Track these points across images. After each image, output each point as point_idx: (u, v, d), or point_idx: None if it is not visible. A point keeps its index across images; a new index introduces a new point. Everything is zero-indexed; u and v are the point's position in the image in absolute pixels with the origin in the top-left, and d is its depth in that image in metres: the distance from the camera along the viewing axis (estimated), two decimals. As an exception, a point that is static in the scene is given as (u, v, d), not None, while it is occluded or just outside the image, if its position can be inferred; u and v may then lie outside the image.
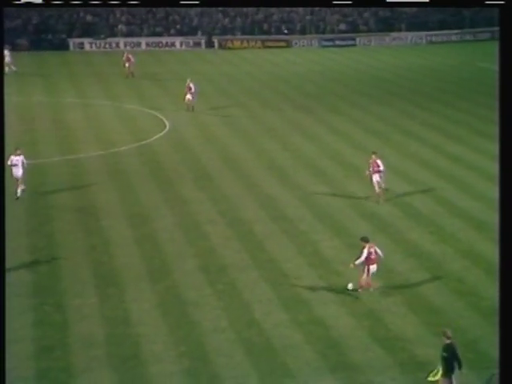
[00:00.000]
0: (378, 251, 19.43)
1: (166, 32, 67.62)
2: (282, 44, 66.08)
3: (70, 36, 64.82)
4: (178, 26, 68.49)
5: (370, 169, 25.88)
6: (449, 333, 14.96)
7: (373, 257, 19.22)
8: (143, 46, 65.36)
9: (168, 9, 70.64)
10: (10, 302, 18.91)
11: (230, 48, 65.05)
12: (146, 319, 18.39)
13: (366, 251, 19.15)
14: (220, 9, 71.56)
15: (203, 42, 66.36)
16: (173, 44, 65.89)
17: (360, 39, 66.44)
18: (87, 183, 28.49)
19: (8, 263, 21.08)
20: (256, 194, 27.50)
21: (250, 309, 19.01)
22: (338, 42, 65.92)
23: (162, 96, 44.91)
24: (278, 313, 18.83)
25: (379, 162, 25.82)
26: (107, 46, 64.67)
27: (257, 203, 26.50)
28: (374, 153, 26.23)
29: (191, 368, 16.51)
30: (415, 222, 24.55)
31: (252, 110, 41.67)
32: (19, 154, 26.42)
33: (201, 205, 26.25)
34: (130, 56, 50.29)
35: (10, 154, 25.84)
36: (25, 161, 26.53)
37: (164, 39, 66.36)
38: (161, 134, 36.00)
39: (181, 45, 65.88)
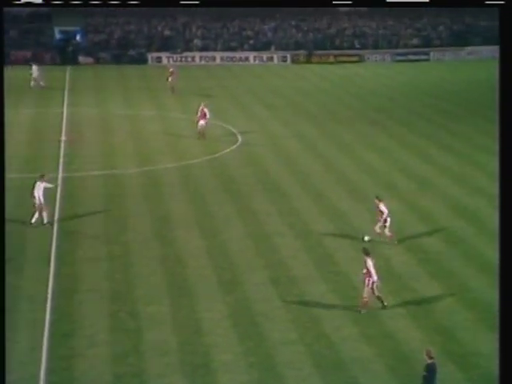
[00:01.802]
0: (374, 265, 18.99)
1: (240, 47, 68.31)
2: (355, 59, 65.82)
3: (148, 50, 66.29)
4: (252, 41, 69.08)
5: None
6: (432, 353, 14.87)
7: (371, 269, 19.01)
8: (218, 61, 66.20)
9: (242, 24, 71.40)
10: (88, 308, 19.43)
11: (302, 63, 65.20)
12: (216, 329, 18.55)
13: (370, 263, 18.97)
14: (293, 24, 71.85)
15: (276, 56, 66.75)
16: (246, 58, 66.49)
17: (434, 54, 65.56)
18: (161, 194, 28.97)
19: (86, 271, 21.76)
20: (325, 206, 27.43)
21: (320, 322, 18.95)
22: (411, 57, 65.22)
23: (235, 110, 45.35)
24: (348, 326, 18.71)
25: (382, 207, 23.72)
26: (183, 59, 65.81)
27: (326, 216, 26.42)
28: (377, 198, 24.20)
29: (260, 379, 16.55)
30: (490, 239, 24.01)
31: (323, 124, 41.61)
32: (43, 181, 25.41)
33: (270, 217, 26.35)
34: (173, 70, 50.67)
35: (36, 181, 25.32)
36: (42, 185, 25.17)
37: (238, 54, 67.05)
38: (233, 147, 36.34)
39: (254, 59, 66.44)
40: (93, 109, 45.00)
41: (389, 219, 23.56)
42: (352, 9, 74.95)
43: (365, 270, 19.15)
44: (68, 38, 67.05)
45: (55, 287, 20.48)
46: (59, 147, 35.22)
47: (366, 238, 22.87)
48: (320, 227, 25.38)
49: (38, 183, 25.34)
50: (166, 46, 67.06)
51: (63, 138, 37.06)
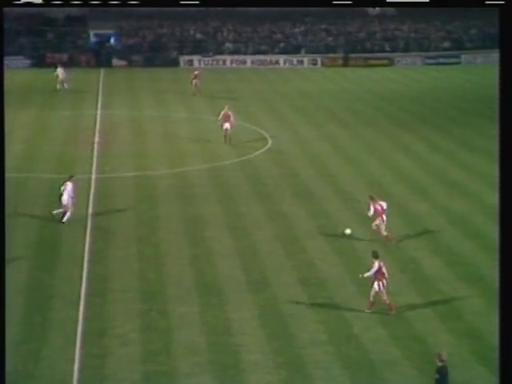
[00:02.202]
0: (383, 267, 19.08)
1: (271, 50, 68.38)
2: (385, 62, 65.48)
3: (180, 53, 66.70)
4: (282, 45, 69.13)
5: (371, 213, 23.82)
6: (443, 355, 14.78)
7: (383, 271, 19.02)
8: (248, 64, 66.32)
9: (272, 28, 71.48)
10: (120, 307, 19.60)
11: (332, 66, 65.05)
12: (245, 329, 18.59)
13: (376, 265, 19.00)
14: (323, 27, 71.75)
15: (306, 60, 66.68)
16: (277, 62, 66.52)
17: (465, 56, 64.96)
18: (192, 195, 29.12)
19: (118, 270, 21.94)
20: (355, 209, 27.32)
21: (349, 323, 18.90)
22: (441, 60, 64.67)
23: (265, 113, 45.41)
24: (377, 328, 18.64)
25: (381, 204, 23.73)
26: (214, 62, 66.07)
27: (356, 219, 26.32)
28: (371, 198, 24.12)
29: (288, 379, 16.56)
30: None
31: (353, 127, 41.48)
32: (69, 181, 25.87)
33: (300, 219, 26.34)
34: (198, 73, 50.66)
35: (64, 181, 25.90)
36: (72, 191, 25.60)
37: (268, 57, 67.12)
38: (263, 149, 36.39)
39: (284, 63, 66.45)
40: (125, 111, 45.39)
41: (378, 220, 23.61)
42: (382, 12, 74.67)
43: (372, 272, 19.05)
44: (102, 41, 67.79)
45: (88, 286, 20.70)
46: (92, 149, 35.59)
47: (348, 231, 23.48)
48: (344, 223, 25.28)
49: (67, 183, 25.79)
50: (198, 49, 67.39)
51: (97, 139, 37.45)
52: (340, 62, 65.95)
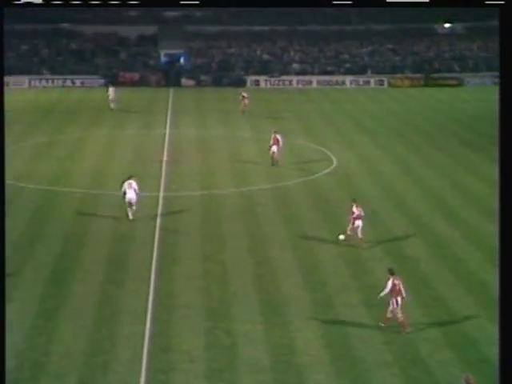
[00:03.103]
0: (401, 285, 19.17)
1: (337, 70, 68.43)
2: (454, 82, 64.71)
3: (247, 73, 67.46)
4: (348, 65, 69.08)
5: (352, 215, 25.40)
6: (471, 379, 14.51)
7: (397, 289, 19.06)
8: (314, 84, 66.55)
9: (339, 48, 71.57)
10: (185, 324, 19.84)
11: (399, 86, 64.63)
12: (309, 349, 18.55)
13: (390, 283, 19.09)
14: (390, 47, 71.44)
15: (372, 80, 66.45)
16: (343, 82, 66.55)
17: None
18: (257, 214, 29.31)
19: (184, 287, 22.23)
20: (422, 231, 27.00)
21: (415, 345, 18.66)
22: (512, 81, 63.46)
23: (331, 133, 45.41)
24: (445, 351, 18.34)
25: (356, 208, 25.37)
26: (280, 83, 66.53)
27: (423, 240, 26.01)
28: (353, 200, 25.97)
29: (353, 400, 16.44)
30: None
31: (420, 147, 41.06)
32: (132, 180, 28.09)
33: (365, 242, 26.16)
34: (246, 95, 50.91)
35: (123, 181, 28.11)
36: (136, 186, 27.90)
37: (334, 77, 67.19)
38: (328, 170, 36.37)
39: (350, 83, 66.39)
40: (193, 130, 46.13)
41: (358, 222, 25.15)
42: (451, 31, 73.83)
43: (387, 291, 19.21)
44: (172, 60, 69.18)
45: (154, 302, 21.04)
46: (161, 167, 36.27)
47: (341, 237, 24.98)
48: (416, 251, 25.03)
49: (131, 181, 27.98)
50: (265, 69, 68.02)
51: (165, 158, 38.15)
52: (407, 82, 65.47)
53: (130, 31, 71.29)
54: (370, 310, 20.61)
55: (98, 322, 19.80)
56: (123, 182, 28.21)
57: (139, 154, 39.12)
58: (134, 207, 27.85)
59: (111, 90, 52.70)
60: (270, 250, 25.37)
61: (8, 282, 21.73)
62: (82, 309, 20.48)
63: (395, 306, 19.13)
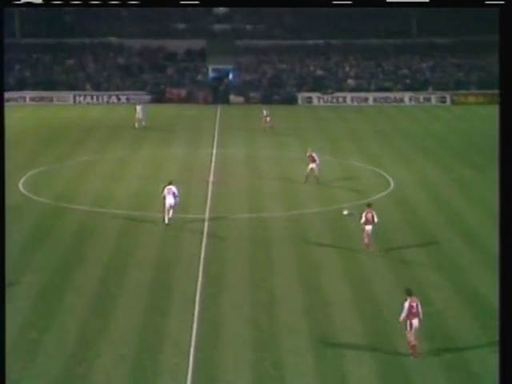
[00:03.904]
0: (419, 307, 19.42)
1: (395, 87, 68.15)
2: (522, 99, 63.75)
3: (299, 90, 67.65)
4: (408, 81, 68.76)
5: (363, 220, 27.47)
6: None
7: (414, 311, 19.24)
8: (370, 101, 66.40)
9: (398, 62, 71.30)
10: (231, 355, 19.90)
11: (463, 103, 64.01)
12: (363, 384, 18.44)
13: (406, 305, 19.31)
14: (453, 61, 70.90)
15: (434, 97, 66.01)
16: (401, 99, 66.27)
17: None
18: (308, 239, 29.30)
19: (230, 316, 22.32)
20: (487, 259, 26.60)
21: (480, 380, 18.36)
22: None
23: (388, 153, 45.21)
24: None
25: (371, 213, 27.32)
26: (334, 100, 66.58)
27: (488, 269, 25.62)
28: (367, 205, 28.07)
29: None
30: None
31: (485, 170, 40.52)
32: (172, 186, 30.50)
33: (424, 269, 25.92)
34: (267, 112, 51.72)
35: (164, 187, 30.66)
36: (176, 191, 30.33)
37: (392, 94, 66.94)
38: (384, 193, 36.20)
39: (410, 100, 66.06)
40: (241, 149, 46.49)
41: (368, 227, 27.08)
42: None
43: (404, 314, 19.41)
44: (221, 76, 69.82)
45: (199, 331, 21.18)
46: (207, 188, 36.62)
47: (345, 212, 27.89)
48: (480, 280, 24.66)
49: (171, 187, 30.42)
50: (318, 85, 68.11)
51: (211, 178, 38.52)
52: (472, 99, 64.83)
53: (178, 45, 72.41)
54: (431, 343, 20.35)
55: (140, 350, 20.02)
56: (164, 187, 30.71)
57: (185, 175, 39.57)
58: (171, 212, 30.13)
59: (138, 108, 53.01)
60: (321, 277, 25.32)
61: (48, 307, 22.39)
62: (123, 337, 20.74)
63: (408, 328, 19.37)
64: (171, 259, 26.81)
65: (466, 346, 20.40)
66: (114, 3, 19.28)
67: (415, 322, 19.42)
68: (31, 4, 17.36)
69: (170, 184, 30.77)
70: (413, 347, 19.45)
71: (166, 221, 30.16)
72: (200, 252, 27.53)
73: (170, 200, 30.18)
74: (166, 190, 30.46)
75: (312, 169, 37.28)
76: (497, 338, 19.25)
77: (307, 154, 37.76)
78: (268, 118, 51.68)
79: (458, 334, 21.08)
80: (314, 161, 37.38)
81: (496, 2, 15.18)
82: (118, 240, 28.95)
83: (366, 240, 27.35)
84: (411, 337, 19.42)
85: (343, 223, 31.39)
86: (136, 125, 52.66)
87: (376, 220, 27.30)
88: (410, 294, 19.83)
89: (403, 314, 19.56)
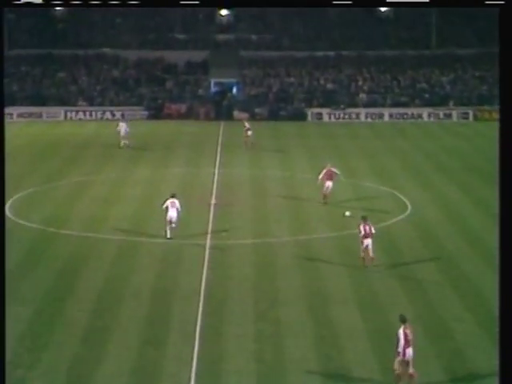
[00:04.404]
0: (412, 335, 19.52)
1: (412, 102, 68.36)
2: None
3: (308, 105, 67.84)
4: (427, 95, 68.95)
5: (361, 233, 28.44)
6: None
7: (408, 338, 19.31)
8: (386, 118, 66.63)
9: (415, 75, 71.56)
10: (233, 392, 19.87)
11: (487, 120, 64.15)
12: (378, 425, 18.39)
13: (401, 332, 19.43)
14: (476, 74, 71.09)
15: (455, 113, 66.17)
16: (420, 115, 66.46)
17: None
18: (318, 266, 29.32)
19: (232, 350, 22.32)
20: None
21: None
22: None
23: (405, 174, 45.32)
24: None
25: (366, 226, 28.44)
26: (346, 116, 66.78)
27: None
28: (362, 218, 29.05)
29: None
30: None
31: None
32: (174, 199, 31.55)
33: (447, 300, 25.90)
34: (249, 126, 52.32)
35: (166, 199, 31.77)
36: (178, 205, 31.35)
37: (409, 110, 67.14)
38: (401, 216, 36.25)
39: (429, 116, 66.25)
40: (246, 169, 46.65)
41: (367, 241, 28.19)
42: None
43: (402, 343, 19.40)
44: (223, 90, 70.02)
45: (199, 367, 21.17)
46: (209, 211, 36.72)
47: (347, 214, 29.42)
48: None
49: (173, 200, 31.46)
50: (329, 100, 68.29)
51: (213, 201, 38.64)
52: (497, 115, 64.95)
53: (178, 57, 72.59)
54: (452, 379, 20.31)
55: (135, 387, 20.02)
56: (166, 199, 31.82)
57: (184, 197, 39.55)
58: (173, 225, 31.22)
59: (122, 125, 53.03)
60: (331, 307, 25.33)
61: (37, 341, 22.41)
62: (117, 374, 20.74)
63: (402, 356, 19.36)
64: (170, 287, 26.85)
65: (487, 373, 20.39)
66: (114, 3, 19.81)
67: (409, 351, 19.39)
68: (31, 4, 17.80)
69: (173, 197, 31.78)
70: (396, 376, 19.56)
71: (169, 235, 31.17)
72: (201, 280, 27.57)
73: (172, 213, 31.17)
74: (169, 203, 31.42)
75: (328, 187, 37.55)
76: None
77: (324, 171, 37.81)
78: (249, 132, 51.90)
79: (479, 368, 21.05)
80: (330, 178, 37.55)
81: (496, 1, 15.78)
82: (113, 267, 29.02)
83: (363, 254, 28.47)
84: (400, 366, 19.45)
85: (354, 250, 31.40)
86: (121, 143, 52.57)
87: (373, 231, 28.53)
88: (404, 321, 19.97)
89: (401, 344, 19.49)
